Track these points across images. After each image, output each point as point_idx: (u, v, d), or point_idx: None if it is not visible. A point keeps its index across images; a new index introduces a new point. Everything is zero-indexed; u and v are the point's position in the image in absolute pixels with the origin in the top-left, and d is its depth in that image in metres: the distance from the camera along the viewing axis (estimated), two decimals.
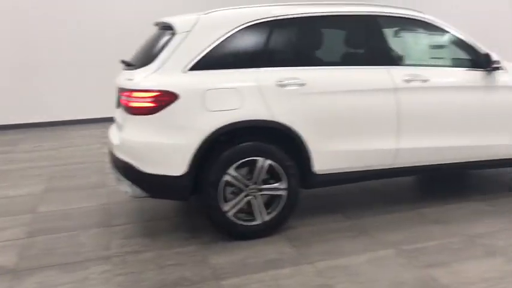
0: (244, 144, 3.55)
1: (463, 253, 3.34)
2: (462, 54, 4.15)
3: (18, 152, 7.07)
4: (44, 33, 8.80)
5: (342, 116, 3.73)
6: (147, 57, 3.66)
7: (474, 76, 4.03)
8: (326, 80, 3.71)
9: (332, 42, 4.02)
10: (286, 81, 3.58)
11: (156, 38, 3.81)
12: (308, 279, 3.05)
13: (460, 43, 4.11)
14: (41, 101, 8.89)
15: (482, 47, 4.09)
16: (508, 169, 4.80)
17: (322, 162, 3.73)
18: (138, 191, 3.55)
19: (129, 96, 3.48)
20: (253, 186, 3.59)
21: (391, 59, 3.91)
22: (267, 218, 3.65)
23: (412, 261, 3.25)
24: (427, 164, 4.04)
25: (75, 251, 3.57)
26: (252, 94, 3.51)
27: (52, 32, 8.83)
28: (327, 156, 3.73)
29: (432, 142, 3.97)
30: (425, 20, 4.04)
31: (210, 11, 3.73)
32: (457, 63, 4.12)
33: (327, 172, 3.78)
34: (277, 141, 3.64)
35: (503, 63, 4.14)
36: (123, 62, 3.99)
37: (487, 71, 4.02)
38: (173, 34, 3.59)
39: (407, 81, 3.84)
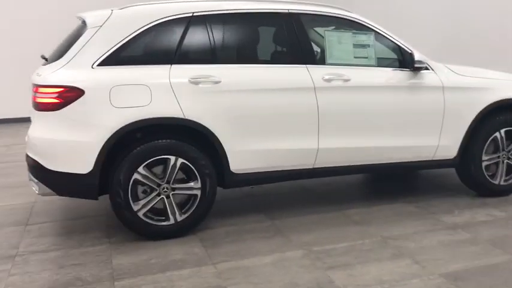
0: (154, 142, 3.47)
1: (371, 255, 3.29)
2: (388, 54, 4.10)
3: None
4: None
5: (259, 115, 3.67)
6: (59, 52, 3.59)
7: (398, 76, 3.98)
8: (241, 78, 3.65)
9: (252, 40, 3.95)
10: (199, 79, 3.52)
11: (72, 33, 3.74)
12: (203, 280, 2.99)
13: (386, 42, 4.06)
14: None
15: (409, 47, 4.04)
16: (441, 170, 4.76)
17: (239, 161, 3.66)
18: (46, 189, 3.48)
19: (36, 92, 3.40)
20: (165, 186, 3.51)
21: (312, 57, 3.85)
22: (180, 218, 3.58)
23: (317, 262, 3.19)
24: (350, 164, 3.98)
25: None
26: (162, 91, 3.44)
27: None
28: (244, 155, 3.67)
29: (354, 142, 3.91)
30: (352, 19, 3.99)
31: (126, 6, 3.66)
32: (382, 62, 4.06)
33: (245, 171, 3.72)
34: (192, 140, 3.57)
35: (431, 63, 4.09)
36: (42, 57, 3.91)
37: (411, 70, 3.96)
38: (83, 29, 3.52)
39: (328, 80, 3.79)
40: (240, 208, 4.26)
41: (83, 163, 3.34)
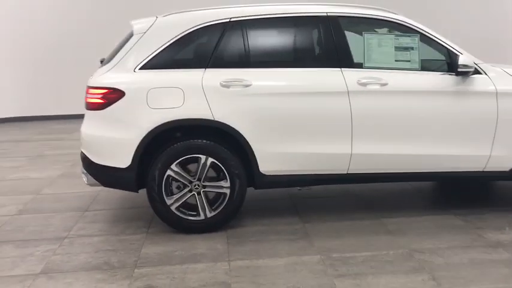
0: (186, 141, 3.69)
1: (389, 267, 3.18)
2: (435, 57, 3.89)
3: (70, 139, 7.81)
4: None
5: (288, 118, 3.71)
6: (110, 56, 3.95)
7: (443, 80, 3.76)
8: (272, 81, 3.72)
9: (286, 44, 4.01)
10: (230, 82, 3.65)
11: (123, 39, 4.08)
12: (213, 276, 3.13)
13: (433, 45, 3.85)
14: None
15: (458, 49, 3.79)
16: (502, 182, 4.38)
17: (268, 163, 3.74)
18: (93, 180, 3.86)
19: (87, 92, 3.79)
20: (196, 183, 3.72)
21: (348, 61, 3.78)
22: (210, 214, 3.75)
23: (329, 269, 3.17)
24: (388, 171, 3.85)
25: (41, 230, 3.99)
26: (194, 93, 3.63)
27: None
28: (274, 157, 3.74)
29: (392, 149, 3.78)
30: (394, 21, 3.85)
31: (169, 13, 3.91)
32: (428, 66, 3.86)
33: (275, 173, 3.79)
34: (223, 141, 3.73)
35: (484, 67, 3.80)
36: (100, 60, 4.32)
37: (455, 75, 3.72)
38: (131, 35, 3.84)
39: (363, 84, 3.70)
40: (277, 209, 4.33)
41: (122, 158, 3.66)
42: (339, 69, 3.73)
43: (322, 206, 4.37)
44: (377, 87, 3.71)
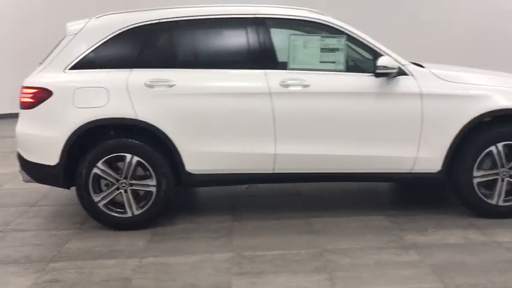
0: (111, 140, 3.78)
1: (294, 266, 3.22)
2: (363, 58, 3.89)
3: None
4: None
5: (212, 118, 3.77)
6: (46, 57, 4.06)
7: (366, 82, 3.75)
8: (196, 82, 3.78)
9: (213, 45, 4.04)
10: (155, 82, 3.73)
11: (59, 40, 4.19)
12: (119, 271, 3.22)
13: (361, 46, 3.86)
14: None
15: (385, 51, 3.79)
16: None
17: (194, 162, 3.81)
18: (27, 177, 3.99)
19: (21, 92, 3.92)
20: (123, 181, 3.81)
21: (272, 62, 3.82)
22: (137, 212, 3.84)
23: (234, 267, 3.22)
24: (312, 171, 3.87)
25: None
26: (119, 93, 3.72)
27: None
28: (200, 157, 3.80)
29: (316, 149, 3.80)
30: (321, 22, 3.86)
31: (101, 14, 4.00)
32: (355, 67, 3.86)
33: (202, 172, 3.85)
34: (149, 140, 3.81)
35: (411, 68, 3.79)
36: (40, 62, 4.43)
37: (376, 76, 3.70)
38: (65, 36, 3.95)
39: (286, 85, 3.73)
40: (215, 207, 4.40)
41: (51, 156, 3.77)
42: (263, 70, 3.77)
43: (260, 205, 4.42)
44: (299, 88, 3.74)
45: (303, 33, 3.98)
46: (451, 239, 3.57)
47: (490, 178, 3.86)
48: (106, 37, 3.83)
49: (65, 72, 3.81)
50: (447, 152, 3.79)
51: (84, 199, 3.83)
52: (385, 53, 3.78)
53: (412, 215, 4.04)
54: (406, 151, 3.81)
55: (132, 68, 3.80)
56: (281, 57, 3.87)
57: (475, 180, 3.83)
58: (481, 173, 3.83)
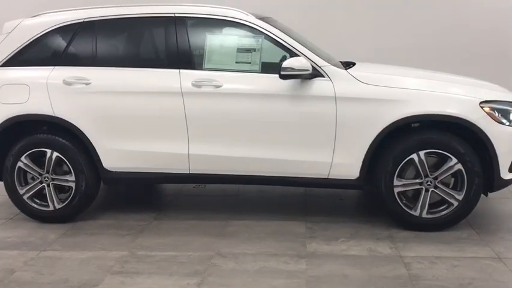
0: (33, 136, 3.92)
1: (175, 268, 3.19)
2: (276, 59, 3.77)
3: None
4: None
5: (127, 117, 3.80)
6: None
7: (279, 84, 3.62)
8: (111, 80, 3.83)
9: (132, 44, 4.05)
10: (72, 80, 3.82)
11: None
12: (10, 262, 3.32)
13: (280, 47, 3.73)
14: None
15: (305, 51, 3.64)
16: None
17: (111, 160, 3.87)
18: None
19: None
20: (46, 175, 3.94)
21: (187, 62, 3.79)
22: (58, 206, 3.96)
23: (116, 266, 3.24)
24: (229, 173, 3.81)
25: None
26: (39, 90, 3.85)
27: None
28: (116, 154, 3.86)
29: (229, 151, 3.74)
30: (240, 22, 3.77)
31: (36, 14, 4.14)
32: (269, 69, 3.72)
33: (119, 170, 3.91)
34: (69, 136, 3.90)
35: (329, 69, 3.62)
36: None
37: (280, 78, 3.56)
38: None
39: (198, 85, 3.70)
40: (146, 205, 4.44)
41: None
42: (178, 70, 3.75)
43: (192, 205, 4.43)
44: (211, 89, 3.69)
45: (221, 33, 3.90)
46: (355, 251, 3.39)
47: (412, 188, 3.62)
48: (35, 36, 3.96)
49: None
50: (364, 158, 3.60)
51: (10, 191, 3.99)
52: (302, 53, 3.64)
53: (336, 222, 3.89)
54: (320, 156, 3.66)
55: (54, 66, 3.90)
56: (198, 57, 3.82)
57: (396, 190, 3.61)
58: (402, 182, 3.61)
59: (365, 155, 3.60)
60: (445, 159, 3.55)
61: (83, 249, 3.52)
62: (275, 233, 3.71)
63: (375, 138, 3.56)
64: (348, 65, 4.01)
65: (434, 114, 3.52)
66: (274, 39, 3.71)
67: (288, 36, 3.73)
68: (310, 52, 3.68)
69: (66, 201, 3.96)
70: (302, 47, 3.69)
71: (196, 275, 3.08)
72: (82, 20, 3.94)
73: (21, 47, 3.98)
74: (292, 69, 3.48)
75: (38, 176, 3.94)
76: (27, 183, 4.00)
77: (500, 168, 3.53)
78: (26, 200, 3.98)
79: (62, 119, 3.83)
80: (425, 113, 3.52)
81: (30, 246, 3.59)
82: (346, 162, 3.64)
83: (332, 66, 3.66)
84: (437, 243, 3.47)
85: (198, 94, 3.70)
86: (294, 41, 3.71)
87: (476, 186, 3.54)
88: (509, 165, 3.57)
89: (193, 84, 3.69)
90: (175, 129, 3.75)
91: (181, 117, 3.72)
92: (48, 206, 3.97)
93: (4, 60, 3.99)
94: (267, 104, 3.65)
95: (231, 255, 3.34)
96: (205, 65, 3.77)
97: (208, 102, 3.71)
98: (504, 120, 3.54)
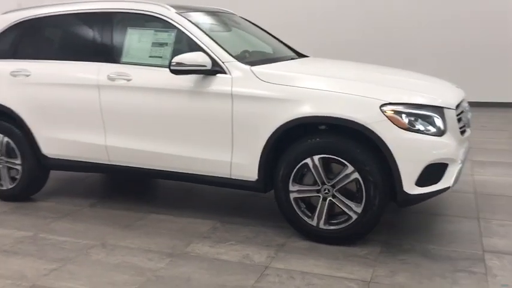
0: None
1: (49, 252, 3.35)
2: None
3: None
4: None
5: (57, 107, 4.06)
6: None
7: (180, 79, 3.57)
8: (45, 72, 4.10)
9: (65, 39, 4.28)
10: (17, 72, 4.19)
11: None
12: None
13: (190, 42, 3.66)
14: None
15: (212, 46, 3.54)
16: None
17: (47, 146, 4.18)
18: None
19: None
20: (1, 158, 4.38)
21: (104, 55, 3.90)
22: (10, 186, 4.38)
23: (9, 244, 3.51)
24: (143, 167, 3.86)
25: None
26: None
27: None
28: (51, 141, 4.15)
29: (140, 145, 3.79)
30: (157, 16, 3.77)
31: (7, 11, 4.59)
32: None
33: (56, 157, 4.19)
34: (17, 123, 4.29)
35: (232, 65, 3.47)
36: None
37: (171, 72, 3.47)
38: None
39: (112, 79, 3.80)
40: (102, 192, 4.69)
41: None
42: (99, 63, 3.89)
43: (133, 195, 4.56)
44: (123, 82, 3.77)
45: (142, 27, 3.94)
46: (229, 255, 3.24)
47: (308, 195, 3.34)
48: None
49: None
50: (259, 160, 3.41)
51: None
52: (208, 48, 3.54)
53: (246, 224, 3.73)
54: (220, 155, 3.54)
55: (9, 59, 4.30)
56: (118, 51, 3.91)
57: (292, 195, 3.36)
58: (297, 187, 3.35)
59: (260, 157, 3.40)
60: (343, 166, 3.21)
61: (5, 228, 3.85)
62: (177, 231, 3.67)
63: (268, 139, 3.34)
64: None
65: (324, 116, 3.20)
66: (185, 33, 3.66)
67: (200, 31, 3.65)
68: (217, 47, 3.56)
69: (15, 183, 4.35)
70: (211, 42, 3.58)
71: (60, 261, 3.21)
72: (28, 18, 4.29)
73: None
74: (183, 64, 3.41)
75: None
76: None
77: (403, 180, 3.09)
78: None
79: (7, 107, 4.21)
80: (316, 114, 3.21)
81: None
82: (244, 163, 3.47)
83: (237, 63, 3.50)
84: (321, 258, 3.16)
85: (111, 87, 3.81)
86: (205, 36, 3.62)
87: (374, 199, 3.15)
88: (415, 177, 3.10)
89: (108, 78, 3.81)
90: (93, 121, 3.91)
91: (97, 109, 3.86)
92: (1, 185, 4.40)
93: None
94: (171, 99, 3.63)
95: (110, 247, 3.41)
96: (123, 59, 3.86)
97: (120, 95, 3.79)
98: (411, 126, 3.09)
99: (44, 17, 4.24)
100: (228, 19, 4.51)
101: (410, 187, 3.10)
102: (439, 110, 3.20)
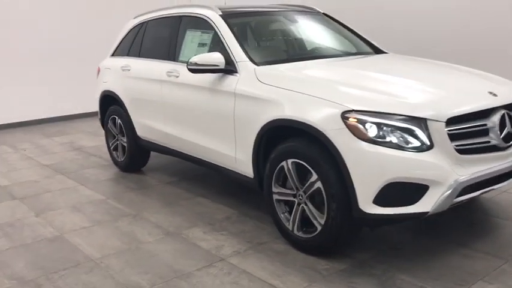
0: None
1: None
2: None
3: None
4: None
5: (141, 97, 4.86)
6: None
7: (206, 78, 3.87)
8: (136, 68, 4.95)
9: (153, 39, 4.94)
10: (124, 67, 5.18)
11: None
12: None
13: (219, 43, 3.94)
14: None
15: (233, 47, 3.76)
16: None
17: (139, 129, 5.04)
18: None
19: None
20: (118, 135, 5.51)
21: (171, 53, 4.47)
22: (122, 159, 5.47)
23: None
24: (190, 154, 4.34)
25: None
26: (109, 74, 5.38)
27: None
28: (140, 125, 4.99)
29: (183, 134, 4.31)
30: (205, 19, 4.15)
31: (135, 16, 5.63)
32: None
33: (144, 138, 5.03)
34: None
35: (242, 67, 3.64)
36: None
37: (189, 71, 3.80)
38: None
39: (169, 75, 4.39)
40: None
41: None
42: (166, 61, 4.50)
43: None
44: (173, 78, 4.31)
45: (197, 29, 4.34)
46: (205, 243, 3.48)
47: (286, 198, 3.32)
48: (125, 33, 5.48)
49: None
50: (252, 159, 3.53)
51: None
52: (229, 48, 3.78)
53: (257, 218, 3.88)
54: (229, 150, 3.76)
55: (124, 56, 5.32)
56: (178, 50, 4.43)
57: (274, 197, 3.39)
58: (278, 189, 3.36)
59: (252, 155, 3.51)
60: (310, 173, 3.08)
61: None
62: (198, 213, 4.05)
63: (256, 139, 3.43)
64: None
65: (289, 119, 3.11)
66: (217, 34, 3.96)
67: (229, 31, 3.89)
68: (238, 47, 3.75)
69: (124, 156, 5.39)
70: (234, 42, 3.79)
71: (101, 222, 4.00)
72: (139, 22, 5.19)
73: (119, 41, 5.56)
74: (198, 63, 3.72)
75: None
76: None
77: (358, 196, 2.80)
78: (113, 152, 5.62)
79: (117, 95, 5.22)
80: (283, 117, 3.16)
81: None
82: (244, 160, 3.62)
83: (247, 62, 3.64)
84: (277, 263, 3.12)
85: (168, 82, 4.39)
86: (231, 36, 3.84)
87: (334, 212, 2.94)
88: (372, 195, 2.77)
89: (167, 74, 4.40)
90: (159, 111, 4.58)
91: (160, 101, 4.52)
92: (118, 157, 5.50)
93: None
94: (196, 95, 4.02)
95: (138, 218, 4.03)
96: (179, 58, 4.39)
97: (171, 89, 4.34)
98: (379, 138, 2.76)
99: (144, 22, 5.08)
100: (300, 16, 4.57)
101: (367, 205, 2.79)
102: (419, 121, 2.76)
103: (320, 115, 2.94)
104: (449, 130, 2.77)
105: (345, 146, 2.80)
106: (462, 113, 2.84)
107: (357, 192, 2.79)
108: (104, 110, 5.60)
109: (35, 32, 8.49)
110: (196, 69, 3.76)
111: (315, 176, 3.01)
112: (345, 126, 2.81)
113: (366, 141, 2.75)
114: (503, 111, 2.98)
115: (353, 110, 2.83)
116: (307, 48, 4.38)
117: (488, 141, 2.91)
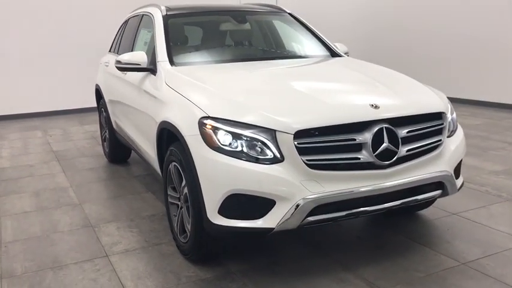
0: None
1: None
2: None
3: None
4: None
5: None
6: None
7: (139, 75, 3.95)
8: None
9: None
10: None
11: None
12: None
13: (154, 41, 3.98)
14: None
15: (160, 49, 3.79)
16: None
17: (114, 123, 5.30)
18: None
19: None
20: None
21: (128, 51, 4.57)
22: (107, 149, 5.77)
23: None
24: (136, 150, 4.48)
25: None
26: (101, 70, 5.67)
27: None
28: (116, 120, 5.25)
29: (130, 130, 4.44)
30: (151, 18, 4.22)
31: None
32: None
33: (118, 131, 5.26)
34: None
35: (160, 67, 3.66)
36: None
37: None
38: None
39: (123, 72, 4.53)
40: None
41: None
42: None
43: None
44: (123, 75, 4.43)
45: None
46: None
47: (173, 201, 3.29)
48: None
49: None
50: (158, 159, 3.55)
51: None
52: (157, 47, 3.82)
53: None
54: (151, 147, 3.80)
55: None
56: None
57: (168, 199, 3.38)
58: (169, 192, 3.34)
59: (157, 156, 3.53)
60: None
61: None
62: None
63: (156, 140, 3.43)
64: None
65: (167, 122, 3.08)
66: (154, 34, 4.01)
67: (162, 32, 3.91)
68: (163, 48, 3.76)
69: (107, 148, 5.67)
70: (162, 42, 3.82)
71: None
72: (128, 18, 5.39)
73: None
74: (120, 62, 3.79)
75: None
76: None
77: (206, 205, 2.71)
78: (103, 143, 5.93)
79: (99, 86, 5.50)
80: (165, 119, 3.13)
81: None
82: (156, 159, 3.64)
83: (165, 63, 3.63)
84: (151, 268, 3.12)
85: (121, 79, 4.53)
86: (162, 36, 3.87)
87: (193, 219, 2.88)
88: (217, 205, 2.66)
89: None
90: (119, 106, 4.75)
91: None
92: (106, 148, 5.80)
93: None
94: (131, 92, 4.13)
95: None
96: None
97: (124, 86, 4.47)
98: (228, 146, 2.64)
99: (127, 19, 5.32)
100: (255, 17, 4.47)
101: (213, 215, 2.69)
102: (270, 132, 2.60)
103: (185, 120, 2.89)
104: (298, 143, 2.56)
105: (197, 153, 2.72)
106: (313, 126, 2.59)
107: (205, 200, 2.70)
108: (98, 104, 5.91)
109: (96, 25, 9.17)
110: (121, 67, 3.83)
111: (184, 181, 2.96)
112: (199, 133, 2.72)
113: (214, 150, 2.65)
114: (381, 126, 2.68)
115: (209, 117, 2.73)
116: (242, 50, 4.26)
117: (358, 158, 2.64)
